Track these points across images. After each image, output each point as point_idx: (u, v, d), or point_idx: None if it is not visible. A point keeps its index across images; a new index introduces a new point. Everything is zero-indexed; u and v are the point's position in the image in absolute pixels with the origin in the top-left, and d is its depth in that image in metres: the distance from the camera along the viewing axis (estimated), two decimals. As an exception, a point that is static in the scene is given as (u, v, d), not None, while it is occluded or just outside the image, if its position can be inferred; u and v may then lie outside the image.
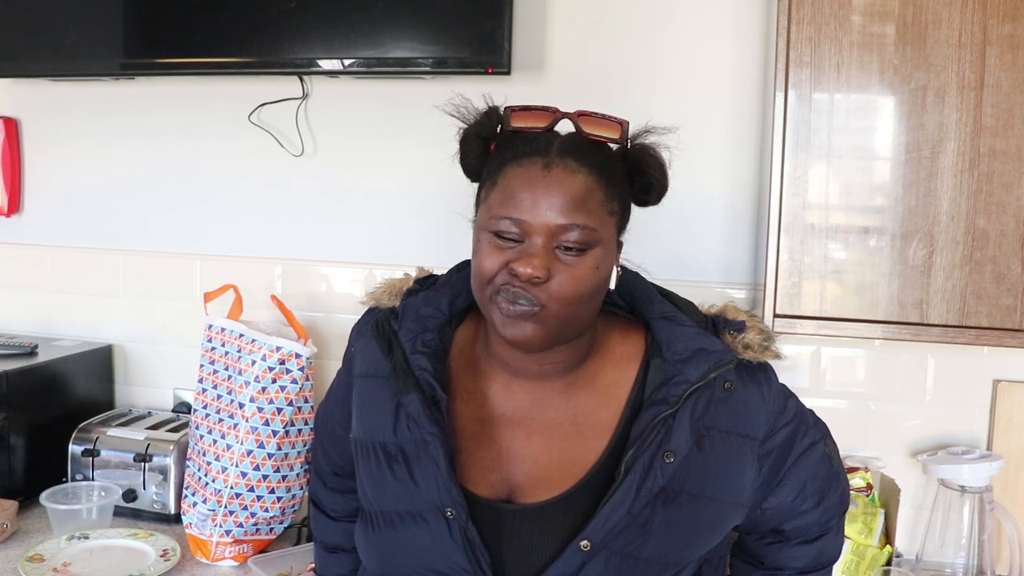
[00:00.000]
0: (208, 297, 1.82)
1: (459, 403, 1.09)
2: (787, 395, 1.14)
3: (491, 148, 1.06)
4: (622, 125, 1.04)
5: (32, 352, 1.96)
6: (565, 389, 1.08)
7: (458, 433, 1.07)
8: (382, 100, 1.95)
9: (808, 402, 1.82)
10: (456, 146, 1.08)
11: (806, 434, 1.15)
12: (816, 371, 1.80)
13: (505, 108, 1.05)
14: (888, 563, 1.60)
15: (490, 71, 1.75)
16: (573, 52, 1.85)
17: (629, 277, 1.15)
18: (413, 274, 1.19)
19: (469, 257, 1.07)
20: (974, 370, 1.74)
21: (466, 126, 1.07)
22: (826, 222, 1.48)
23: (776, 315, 1.50)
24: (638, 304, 1.13)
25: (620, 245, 1.11)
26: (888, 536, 1.62)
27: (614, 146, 1.06)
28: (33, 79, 2.11)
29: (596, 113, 1.04)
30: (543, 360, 1.06)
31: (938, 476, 1.66)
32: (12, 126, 2.16)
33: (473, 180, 1.08)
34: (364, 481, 1.11)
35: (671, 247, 1.85)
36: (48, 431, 1.90)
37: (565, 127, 1.05)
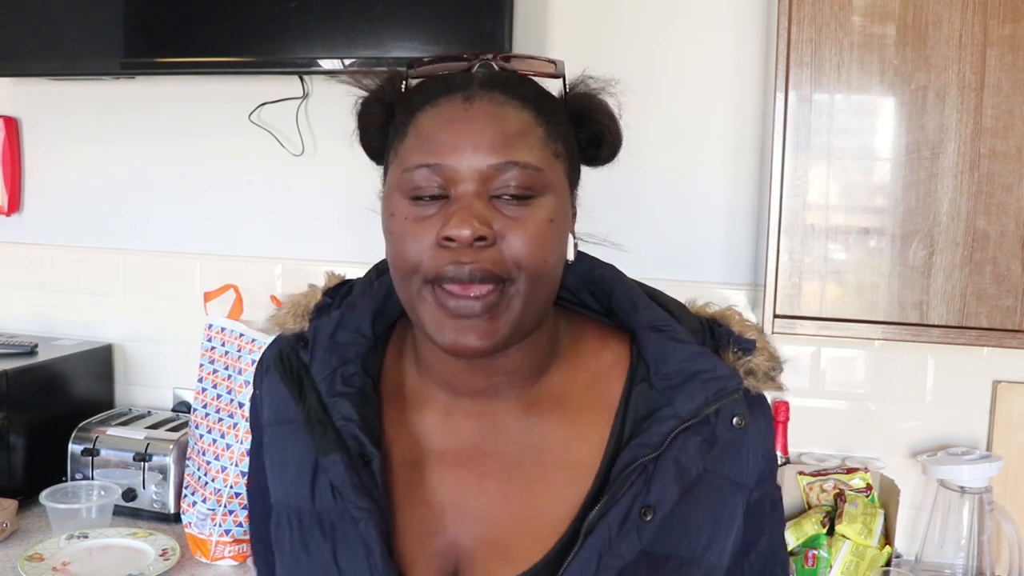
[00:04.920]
0: (208, 297, 1.82)
1: (384, 443, 0.81)
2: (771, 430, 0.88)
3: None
4: (554, 62, 0.82)
5: (32, 351, 1.96)
6: (525, 412, 0.80)
7: (386, 486, 0.78)
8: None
9: (808, 403, 1.84)
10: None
11: (775, 475, 0.88)
12: (816, 372, 1.80)
13: (410, 60, 0.81)
14: (887, 564, 1.60)
15: (490, 71, 1.74)
16: (573, 52, 1.85)
17: (604, 272, 0.88)
18: (321, 283, 0.90)
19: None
20: (974, 371, 1.73)
21: (366, 94, 0.82)
22: (826, 223, 1.48)
23: (776, 315, 1.50)
24: (619, 308, 0.85)
25: (575, 213, 0.87)
26: (888, 537, 1.62)
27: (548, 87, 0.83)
28: (33, 78, 2.11)
29: (523, 54, 0.83)
30: (492, 370, 0.78)
31: (938, 477, 1.66)
32: (12, 125, 2.16)
33: (378, 161, 0.84)
34: (277, 553, 0.85)
35: (671, 247, 1.85)
36: (48, 430, 1.90)
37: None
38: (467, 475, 0.79)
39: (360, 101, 0.82)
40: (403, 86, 0.80)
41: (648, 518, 0.74)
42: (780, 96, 1.47)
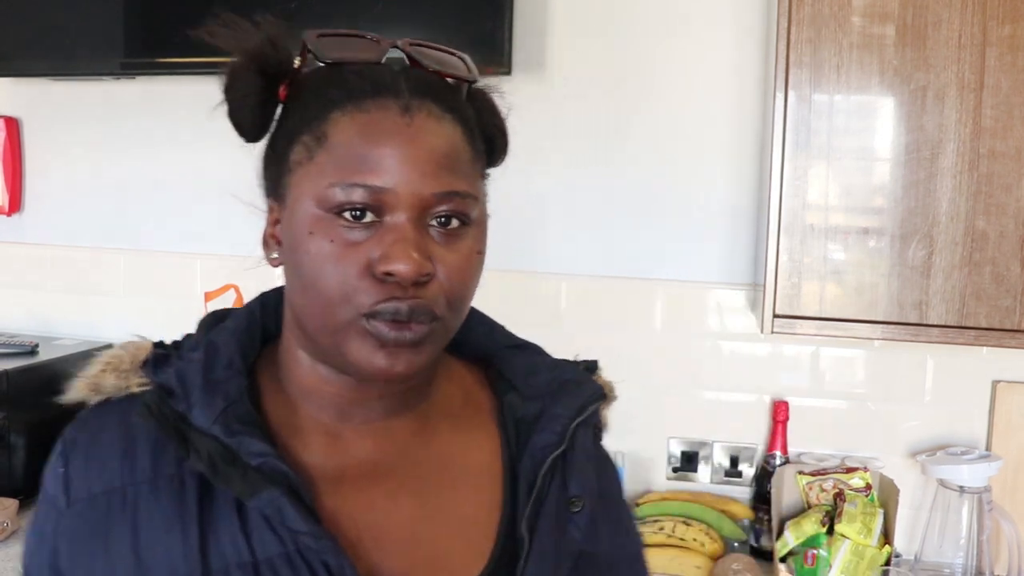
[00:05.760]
0: (208, 297, 1.82)
1: None
2: None
3: (280, 93, 0.72)
4: (465, 62, 0.76)
5: (33, 351, 1.96)
6: (419, 427, 0.77)
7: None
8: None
9: (808, 402, 1.84)
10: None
11: None
12: (815, 372, 1.80)
13: (308, 33, 0.71)
14: (887, 563, 1.60)
15: (490, 71, 1.74)
16: (573, 52, 1.86)
17: None
18: (133, 342, 0.79)
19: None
20: (973, 371, 1.74)
21: (237, 59, 0.70)
22: (826, 223, 1.49)
23: (776, 315, 1.50)
24: (475, 331, 0.84)
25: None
26: (887, 536, 1.62)
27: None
28: (34, 78, 2.11)
29: (430, 43, 0.74)
30: (388, 389, 0.74)
31: (937, 476, 1.66)
32: (13, 125, 2.16)
33: (250, 139, 0.74)
34: None
35: (671, 247, 1.85)
36: (48, 430, 1.89)
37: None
38: (376, 495, 0.73)
39: (232, 68, 0.71)
40: (298, 61, 0.71)
41: (576, 509, 0.75)
42: (780, 96, 1.47)
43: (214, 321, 0.78)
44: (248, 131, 0.73)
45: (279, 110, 0.73)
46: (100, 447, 0.73)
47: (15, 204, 2.17)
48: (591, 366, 0.84)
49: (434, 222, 0.68)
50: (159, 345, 0.77)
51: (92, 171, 2.14)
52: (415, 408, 0.77)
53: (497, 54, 1.73)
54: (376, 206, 0.66)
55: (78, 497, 0.71)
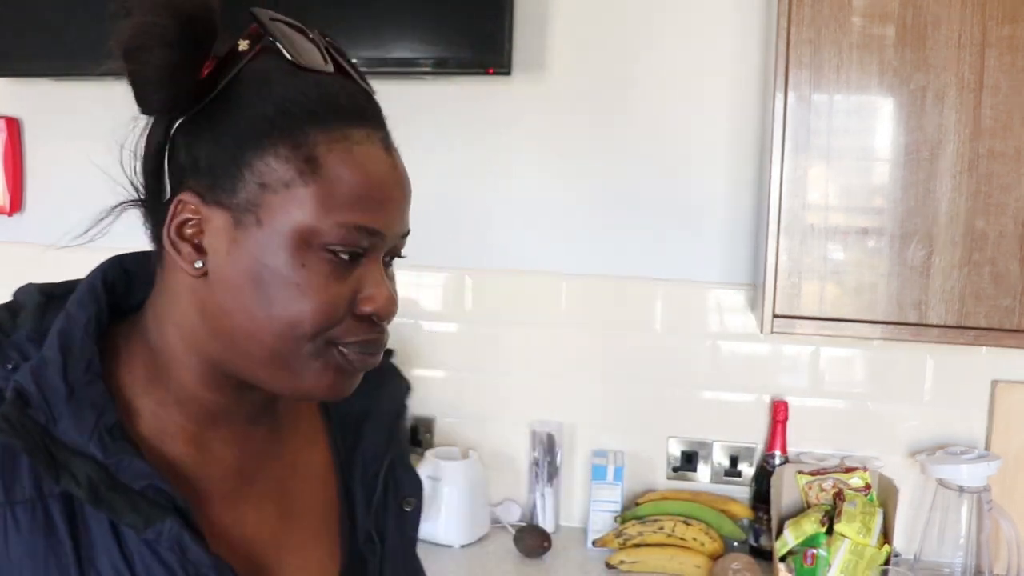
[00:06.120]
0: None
1: None
2: None
3: (203, 70, 0.65)
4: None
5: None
6: (271, 432, 0.75)
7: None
8: (382, 100, 1.94)
9: (807, 402, 1.84)
10: None
11: None
12: (815, 371, 1.81)
13: (260, 12, 0.66)
14: (886, 563, 1.60)
15: (490, 71, 1.75)
16: (573, 52, 1.86)
17: None
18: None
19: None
20: (973, 370, 1.74)
21: (153, 15, 0.61)
22: (825, 223, 1.49)
23: (775, 315, 1.51)
24: None
25: None
26: (886, 536, 1.63)
27: None
28: (34, 79, 2.12)
29: (343, 50, 0.72)
30: (255, 395, 0.71)
31: (936, 476, 1.66)
32: (14, 125, 2.16)
33: (151, 113, 0.67)
34: None
35: (671, 247, 1.85)
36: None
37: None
38: (246, 509, 0.71)
39: (144, 27, 0.61)
40: (245, 44, 0.66)
41: (409, 508, 0.80)
42: (780, 97, 1.47)
43: (45, 300, 0.70)
44: (155, 107, 0.65)
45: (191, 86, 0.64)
46: None
47: (15, 204, 2.17)
48: (389, 352, 0.82)
49: (386, 258, 0.68)
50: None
51: (93, 171, 2.14)
52: (270, 413, 0.75)
53: (497, 54, 1.73)
54: (366, 248, 0.65)
55: None
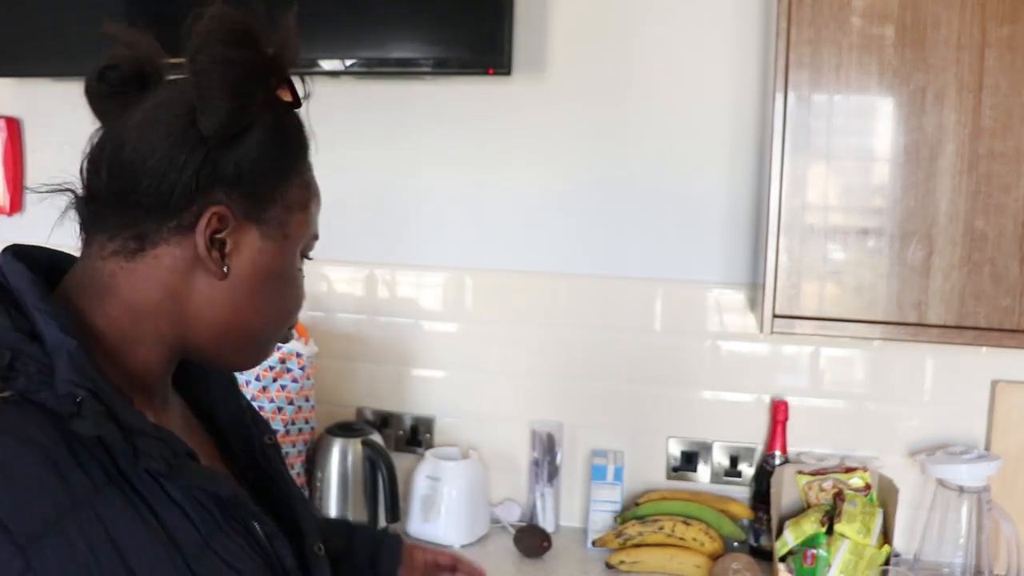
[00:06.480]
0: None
1: None
2: None
3: (275, 98, 0.78)
4: None
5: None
6: (177, 397, 0.86)
7: None
8: (383, 100, 1.95)
9: (807, 402, 1.84)
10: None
11: None
12: (815, 371, 1.81)
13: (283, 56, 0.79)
14: (886, 563, 1.60)
15: (491, 71, 1.75)
16: (573, 52, 1.86)
17: None
18: None
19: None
20: (972, 370, 1.74)
21: (246, 57, 0.79)
22: (825, 223, 1.49)
23: (775, 315, 1.51)
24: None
25: None
26: (886, 536, 1.63)
27: None
28: (35, 79, 2.11)
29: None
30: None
31: (936, 476, 1.66)
32: (14, 126, 2.16)
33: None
34: None
35: (671, 247, 1.85)
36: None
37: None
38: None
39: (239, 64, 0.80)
40: (264, 89, 0.77)
41: (272, 443, 0.92)
42: (779, 96, 1.47)
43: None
44: (232, 134, 0.77)
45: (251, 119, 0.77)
46: (29, 472, 0.62)
47: (15, 204, 2.17)
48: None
49: None
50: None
51: (93, 171, 2.14)
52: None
53: (497, 54, 1.73)
54: None
55: (32, 528, 0.61)
